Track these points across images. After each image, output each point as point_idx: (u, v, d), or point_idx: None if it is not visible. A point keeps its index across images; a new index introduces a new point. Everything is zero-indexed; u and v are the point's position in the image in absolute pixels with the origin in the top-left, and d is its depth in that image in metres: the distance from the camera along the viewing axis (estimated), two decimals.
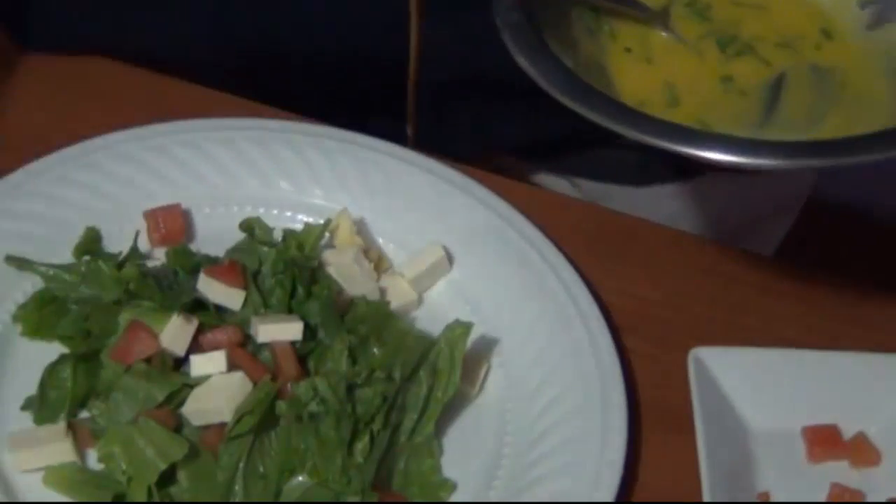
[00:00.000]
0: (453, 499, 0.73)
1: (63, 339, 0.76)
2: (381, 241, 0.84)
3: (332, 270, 0.79)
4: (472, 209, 0.84)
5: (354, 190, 0.85)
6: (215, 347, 0.73)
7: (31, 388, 0.73)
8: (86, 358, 0.74)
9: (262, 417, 0.70)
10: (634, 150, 1.04)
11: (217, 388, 0.72)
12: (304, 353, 0.74)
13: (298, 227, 0.82)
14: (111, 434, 0.70)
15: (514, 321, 0.80)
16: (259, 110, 0.90)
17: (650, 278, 0.85)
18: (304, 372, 0.74)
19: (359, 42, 0.92)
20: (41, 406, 0.73)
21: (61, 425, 0.72)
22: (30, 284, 0.78)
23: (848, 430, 0.77)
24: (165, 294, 0.75)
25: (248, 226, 0.80)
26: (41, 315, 0.77)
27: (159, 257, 0.80)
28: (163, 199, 0.83)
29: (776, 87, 0.75)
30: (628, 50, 0.76)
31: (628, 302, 0.83)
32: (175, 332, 0.73)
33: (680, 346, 0.78)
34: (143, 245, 0.81)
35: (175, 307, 0.74)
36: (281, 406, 0.71)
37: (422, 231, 0.83)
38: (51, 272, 0.77)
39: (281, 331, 0.74)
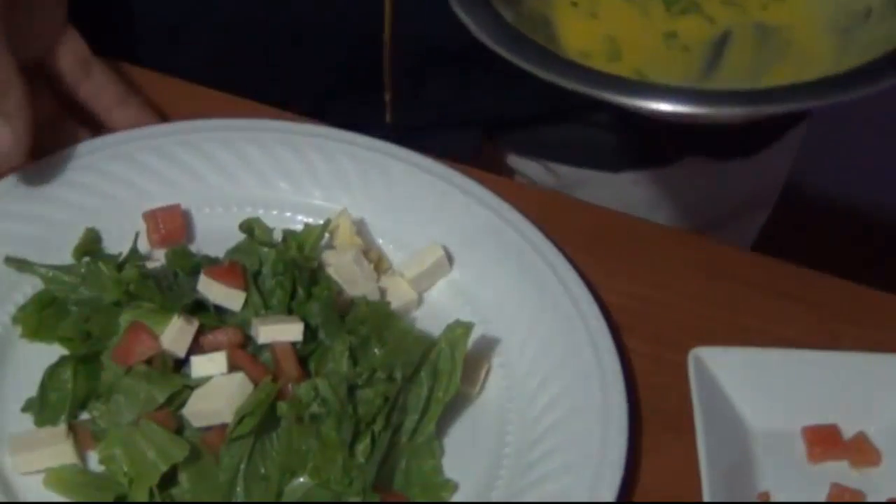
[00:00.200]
0: (455, 499, 0.73)
1: (63, 340, 0.76)
2: (380, 241, 0.84)
3: (332, 271, 0.79)
4: (472, 209, 0.84)
5: (354, 190, 0.85)
6: (216, 349, 0.73)
7: (32, 390, 0.73)
8: (86, 359, 0.74)
9: (263, 418, 0.70)
10: (604, 128, 1.05)
11: (218, 390, 0.72)
12: (305, 354, 0.74)
13: (298, 227, 0.82)
14: (112, 436, 0.70)
15: (514, 321, 0.80)
16: (259, 110, 0.90)
17: (650, 278, 0.85)
18: (305, 373, 0.74)
19: (334, 10, 0.92)
20: (42, 408, 0.73)
21: (62, 427, 0.72)
22: (30, 286, 0.78)
23: (848, 431, 0.77)
24: (166, 295, 0.75)
25: (248, 226, 0.80)
26: (41, 317, 0.76)
27: (159, 258, 0.80)
28: (162, 200, 0.82)
29: (720, 45, 0.75)
30: (574, 4, 0.76)
31: (628, 302, 0.83)
32: (175, 334, 0.73)
33: (680, 346, 0.78)
34: (143, 246, 0.80)
35: (175, 308, 0.74)
36: (282, 407, 0.71)
37: (422, 231, 0.83)
38: (50, 273, 0.77)
39: (281, 332, 0.74)
